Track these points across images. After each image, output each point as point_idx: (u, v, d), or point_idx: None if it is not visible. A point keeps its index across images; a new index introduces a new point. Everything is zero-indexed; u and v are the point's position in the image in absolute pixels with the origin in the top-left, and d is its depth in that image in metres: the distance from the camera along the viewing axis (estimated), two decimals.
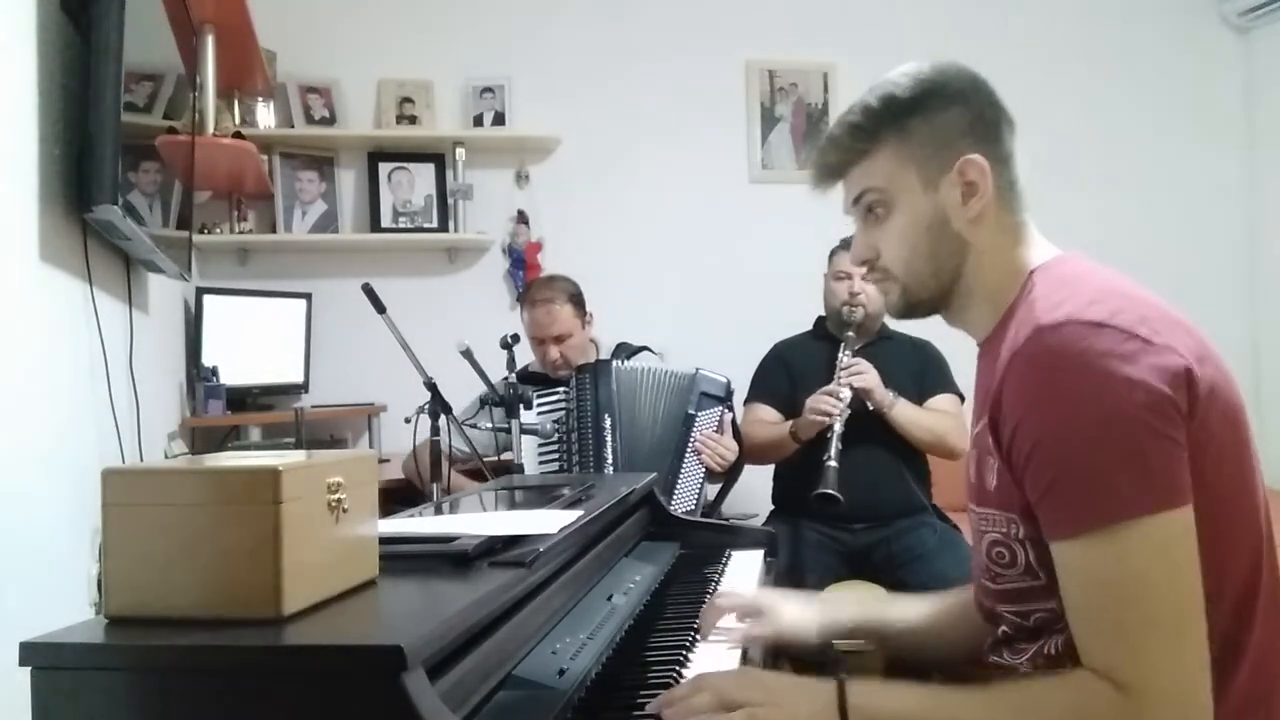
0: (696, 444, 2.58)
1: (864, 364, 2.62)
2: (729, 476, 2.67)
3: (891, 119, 1.09)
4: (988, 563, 1.07)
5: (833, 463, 2.47)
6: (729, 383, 2.67)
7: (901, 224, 1.10)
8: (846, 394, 2.56)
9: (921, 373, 2.76)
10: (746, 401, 2.86)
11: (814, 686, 1.01)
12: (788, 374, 2.82)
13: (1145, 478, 0.89)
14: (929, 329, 2.72)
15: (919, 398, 2.70)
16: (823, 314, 2.89)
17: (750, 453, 2.77)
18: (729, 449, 2.61)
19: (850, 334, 2.68)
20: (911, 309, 1.15)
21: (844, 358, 2.63)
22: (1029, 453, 0.94)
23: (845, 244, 2.77)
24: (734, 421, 2.66)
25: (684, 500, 2.55)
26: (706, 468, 2.58)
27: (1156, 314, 0.96)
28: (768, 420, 2.77)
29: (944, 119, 1.08)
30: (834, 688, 0.99)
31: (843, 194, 1.16)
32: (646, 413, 2.59)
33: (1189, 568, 0.90)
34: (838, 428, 2.51)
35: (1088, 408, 0.90)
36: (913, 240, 1.10)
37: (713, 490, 2.71)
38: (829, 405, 2.53)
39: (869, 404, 2.61)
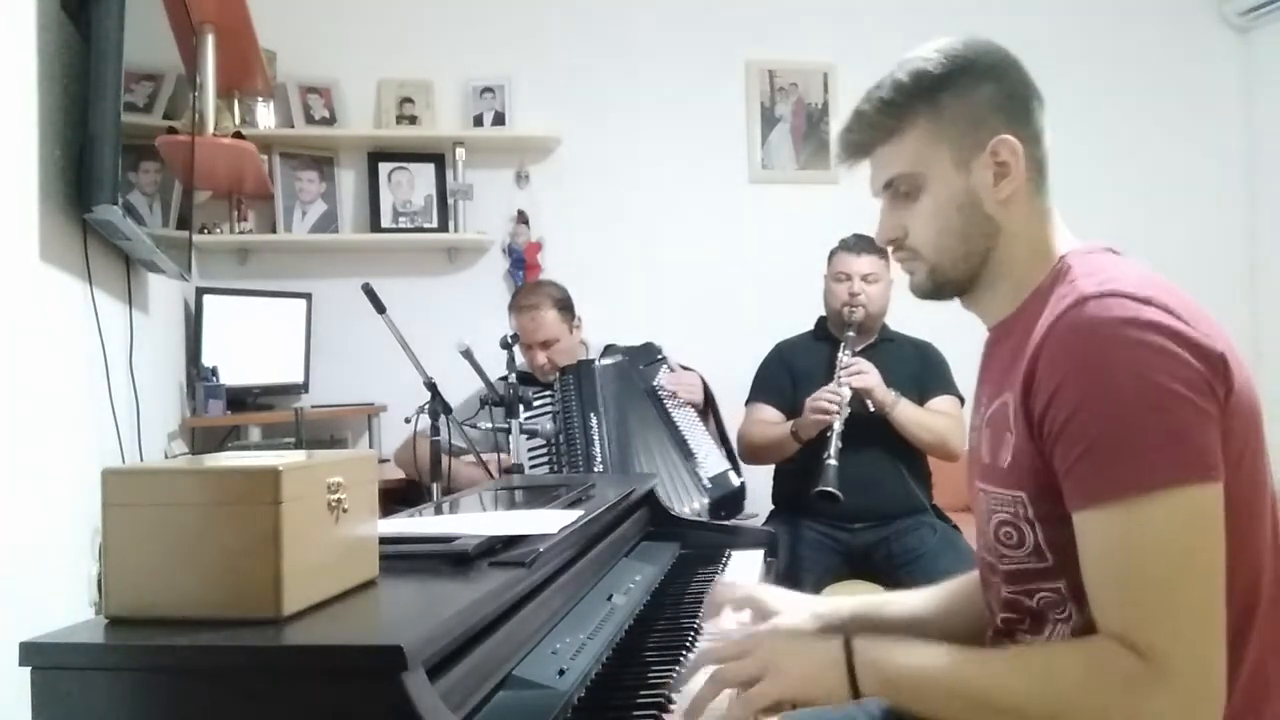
0: (665, 388, 2.68)
1: (864, 363, 2.63)
2: (711, 407, 2.79)
3: (923, 95, 1.07)
4: (995, 543, 1.07)
5: (833, 460, 2.47)
6: (650, 343, 2.86)
7: (932, 204, 1.08)
8: (847, 393, 2.56)
9: (922, 374, 2.76)
10: (749, 402, 2.86)
11: (819, 646, 1.01)
12: (789, 374, 2.82)
13: (1181, 449, 0.89)
14: (930, 331, 2.75)
15: (919, 399, 2.70)
16: (824, 314, 2.89)
17: (752, 453, 2.78)
18: (692, 379, 2.76)
19: (850, 334, 2.69)
20: (939, 289, 1.13)
21: (844, 358, 2.63)
22: (1066, 418, 0.94)
23: (844, 244, 2.78)
24: (678, 365, 2.83)
25: (712, 457, 2.60)
26: (690, 402, 2.69)
27: (1194, 307, 0.97)
28: (769, 420, 2.77)
29: (977, 96, 1.07)
30: (840, 646, 0.99)
31: (870, 173, 1.14)
32: (629, 406, 2.64)
33: (1216, 543, 0.90)
34: (838, 426, 2.51)
35: (1128, 376, 0.90)
36: (943, 221, 1.08)
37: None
38: (829, 403, 2.54)
39: (870, 404, 2.61)
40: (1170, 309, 0.93)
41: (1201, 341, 0.92)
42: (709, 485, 2.50)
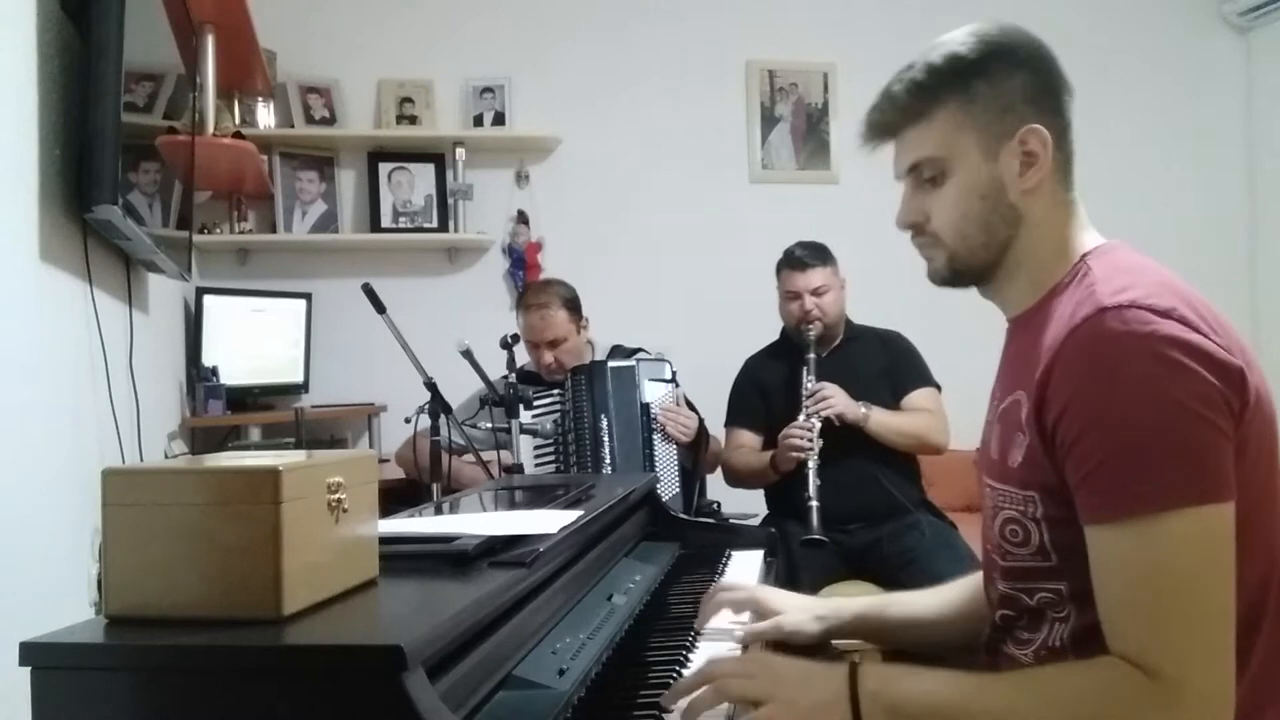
0: (658, 419, 2.59)
1: (829, 388, 2.58)
2: (697, 448, 2.69)
3: (955, 79, 1.06)
4: (1000, 540, 1.07)
5: (814, 502, 2.43)
6: (666, 361, 2.75)
7: (956, 191, 1.07)
8: (816, 424, 2.53)
9: (893, 369, 2.73)
10: (726, 425, 2.84)
11: (824, 674, 0.99)
12: (759, 392, 2.79)
13: (1195, 469, 0.88)
14: (895, 320, 2.74)
15: (894, 396, 2.68)
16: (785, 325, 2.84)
17: (736, 480, 2.79)
18: (690, 417, 2.64)
19: (811, 356, 2.65)
20: (957, 276, 1.11)
21: (808, 384, 2.59)
22: (1079, 432, 0.93)
23: (789, 260, 2.73)
24: (685, 397, 2.72)
25: (666, 485, 2.54)
26: (674, 440, 2.60)
27: (1213, 315, 0.96)
28: (749, 446, 2.76)
29: (1009, 84, 1.05)
30: (844, 676, 0.97)
31: (894, 155, 1.12)
32: (634, 411, 2.62)
33: (1227, 563, 0.89)
34: (813, 463, 2.48)
35: (1145, 393, 0.89)
36: (966, 207, 1.07)
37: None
38: (801, 441, 2.51)
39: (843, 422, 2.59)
40: (1189, 322, 0.91)
41: (1220, 356, 0.91)
42: None
